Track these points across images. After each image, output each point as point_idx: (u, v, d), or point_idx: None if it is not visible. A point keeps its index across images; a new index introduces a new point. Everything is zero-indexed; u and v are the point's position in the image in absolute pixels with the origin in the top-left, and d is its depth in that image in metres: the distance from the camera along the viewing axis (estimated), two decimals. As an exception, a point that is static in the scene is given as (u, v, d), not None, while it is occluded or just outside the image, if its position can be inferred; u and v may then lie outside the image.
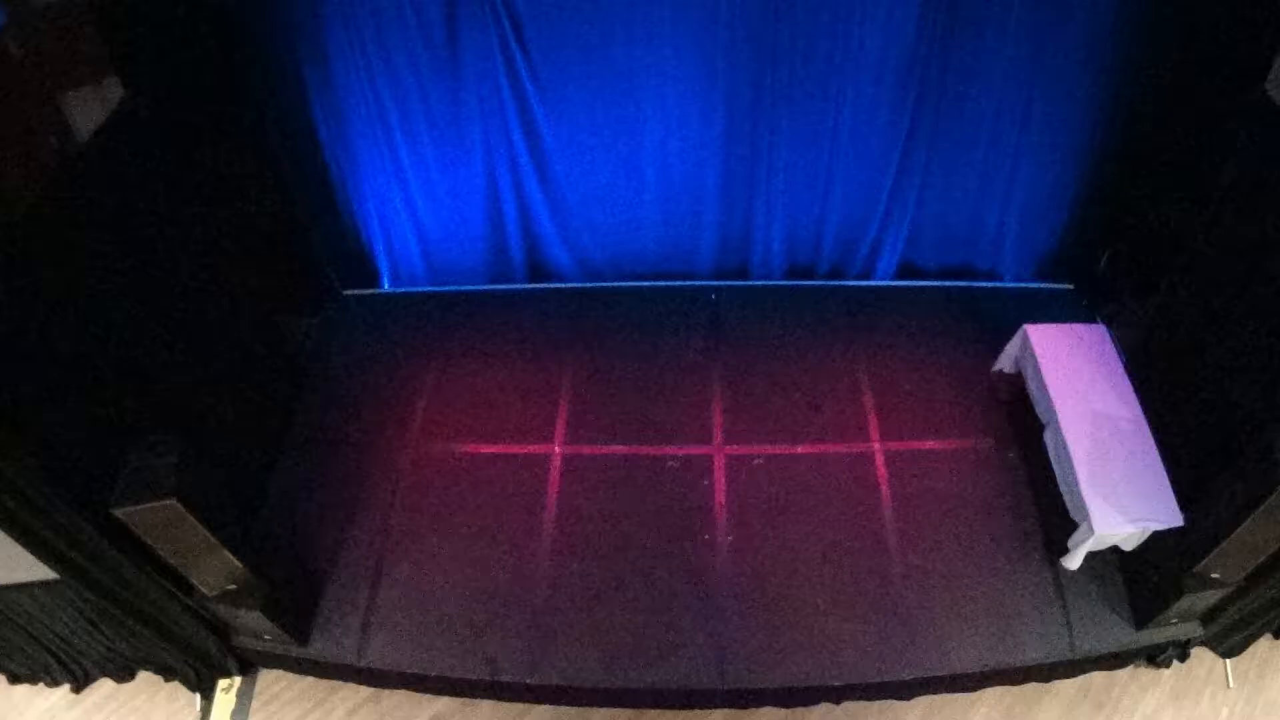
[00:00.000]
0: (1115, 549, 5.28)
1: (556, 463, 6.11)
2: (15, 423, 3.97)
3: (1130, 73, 5.91)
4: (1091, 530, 4.99)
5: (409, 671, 5.28)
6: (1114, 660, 5.36)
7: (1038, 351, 5.74)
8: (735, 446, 6.16)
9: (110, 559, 4.61)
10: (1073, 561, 5.28)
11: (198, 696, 5.52)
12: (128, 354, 4.75)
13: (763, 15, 5.79)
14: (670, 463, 6.07)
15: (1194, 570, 4.75)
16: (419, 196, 6.94)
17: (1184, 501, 4.94)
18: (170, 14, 5.18)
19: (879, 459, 6.06)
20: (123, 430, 4.38)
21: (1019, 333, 6.03)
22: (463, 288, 7.48)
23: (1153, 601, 5.07)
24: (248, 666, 5.62)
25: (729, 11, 5.80)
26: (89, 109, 4.81)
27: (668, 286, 7.35)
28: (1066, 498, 5.30)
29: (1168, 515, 4.93)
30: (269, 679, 5.68)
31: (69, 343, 4.32)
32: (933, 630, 5.23)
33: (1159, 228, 6.46)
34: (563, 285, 7.49)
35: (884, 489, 5.89)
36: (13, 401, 3.98)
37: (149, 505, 4.03)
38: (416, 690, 5.48)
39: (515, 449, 6.21)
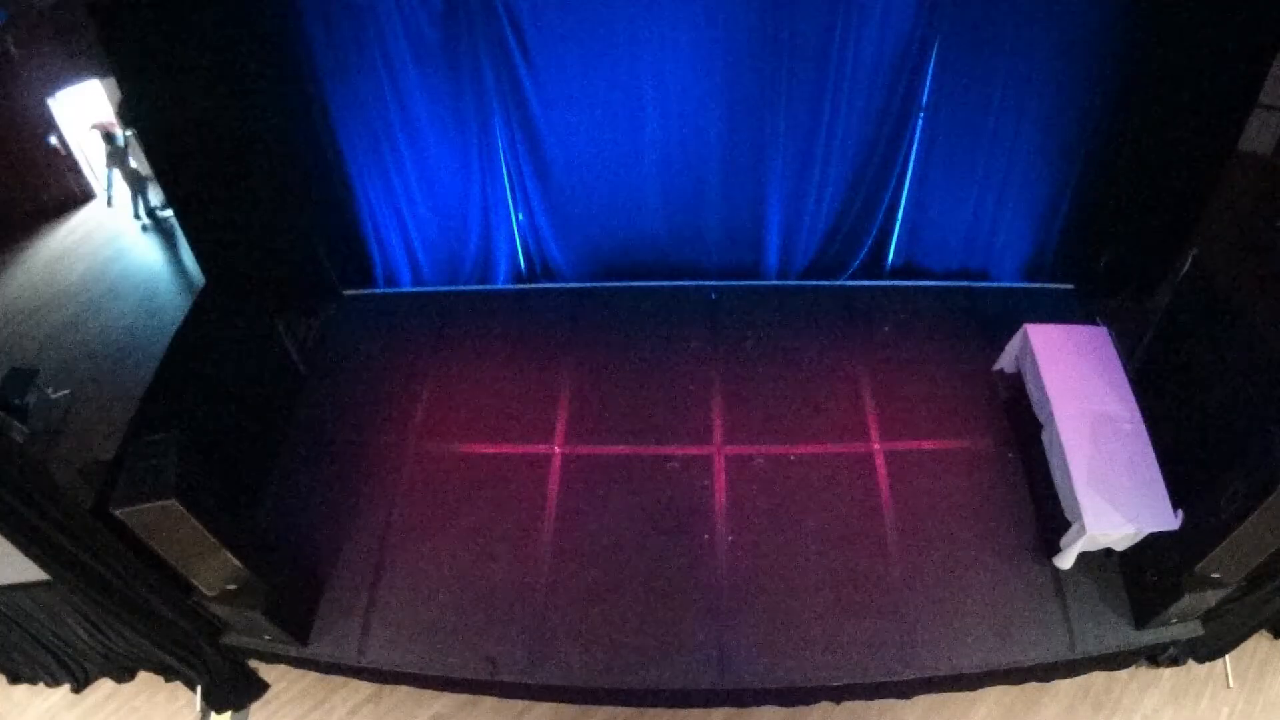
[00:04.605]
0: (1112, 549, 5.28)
1: (556, 463, 6.10)
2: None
3: (1129, 73, 5.91)
4: (1084, 530, 4.99)
5: (409, 671, 5.29)
6: (1114, 660, 5.36)
7: (1037, 351, 5.74)
8: (735, 446, 6.16)
9: (109, 559, 4.61)
10: (1065, 561, 5.28)
11: (197, 696, 5.52)
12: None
13: (762, 15, 5.80)
14: (670, 463, 6.07)
15: (1194, 570, 4.75)
16: (419, 196, 6.94)
17: (1182, 502, 4.93)
18: (169, 16, 5.19)
19: (879, 459, 6.05)
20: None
21: (1019, 332, 6.03)
22: (462, 288, 7.48)
23: (1153, 601, 5.07)
24: (244, 667, 5.60)
25: (729, 12, 5.80)
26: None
27: (667, 286, 7.35)
28: (1062, 497, 5.30)
29: (1160, 518, 4.93)
30: (269, 679, 5.68)
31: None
32: (933, 630, 5.23)
33: (1159, 228, 6.47)
34: (563, 285, 7.49)
35: (884, 489, 5.88)
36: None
37: (149, 505, 4.03)
38: (417, 688, 5.48)
39: (515, 449, 6.21)
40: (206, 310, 5.66)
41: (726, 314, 7.11)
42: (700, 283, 7.34)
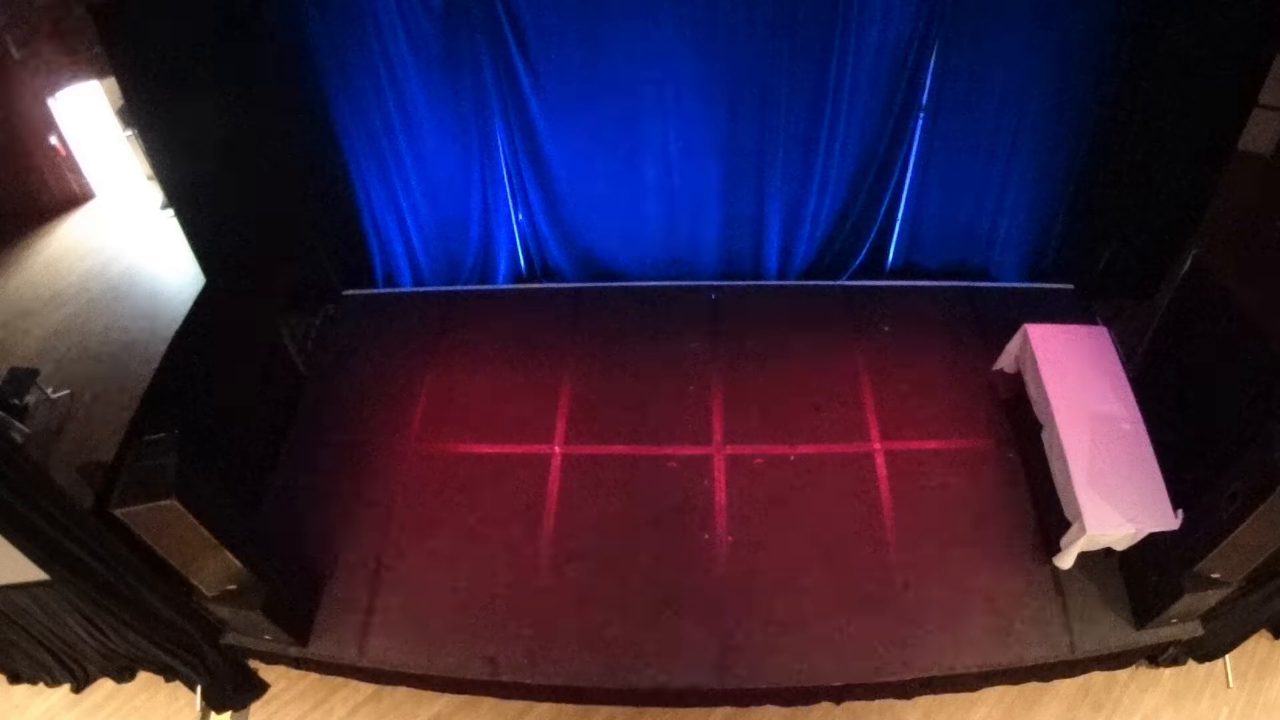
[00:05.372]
0: (1112, 549, 5.28)
1: (556, 463, 6.11)
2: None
3: (1129, 72, 5.91)
4: (1083, 530, 4.99)
5: (409, 671, 5.28)
6: (1114, 660, 5.36)
7: (1037, 351, 5.74)
8: (735, 446, 6.16)
9: (109, 559, 4.61)
10: (1065, 561, 5.28)
11: (198, 696, 5.52)
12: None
13: (763, 13, 5.80)
14: (670, 463, 6.07)
15: (1194, 570, 4.74)
16: (419, 196, 6.95)
17: (1182, 502, 4.93)
18: (169, 16, 5.19)
19: (879, 459, 6.06)
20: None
21: (1019, 332, 6.03)
22: (462, 287, 7.48)
23: (1153, 601, 5.07)
24: (244, 668, 5.60)
25: (730, 11, 5.80)
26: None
27: (667, 286, 7.35)
28: (1062, 497, 5.30)
29: (1160, 518, 4.92)
30: (269, 679, 5.68)
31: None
32: (933, 630, 5.23)
33: (1159, 228, 6.47)
34: (563, 285, 7.49)
35: (884, 489, 5.89)
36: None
37: (149, 505, 4.03)
38: (417, 688, 5.48)
39: (515, 449, 6.21)
40: (206, 310, 5.66)
41: (726, 314, 7.10)
42: (700, 283, 7.34)
